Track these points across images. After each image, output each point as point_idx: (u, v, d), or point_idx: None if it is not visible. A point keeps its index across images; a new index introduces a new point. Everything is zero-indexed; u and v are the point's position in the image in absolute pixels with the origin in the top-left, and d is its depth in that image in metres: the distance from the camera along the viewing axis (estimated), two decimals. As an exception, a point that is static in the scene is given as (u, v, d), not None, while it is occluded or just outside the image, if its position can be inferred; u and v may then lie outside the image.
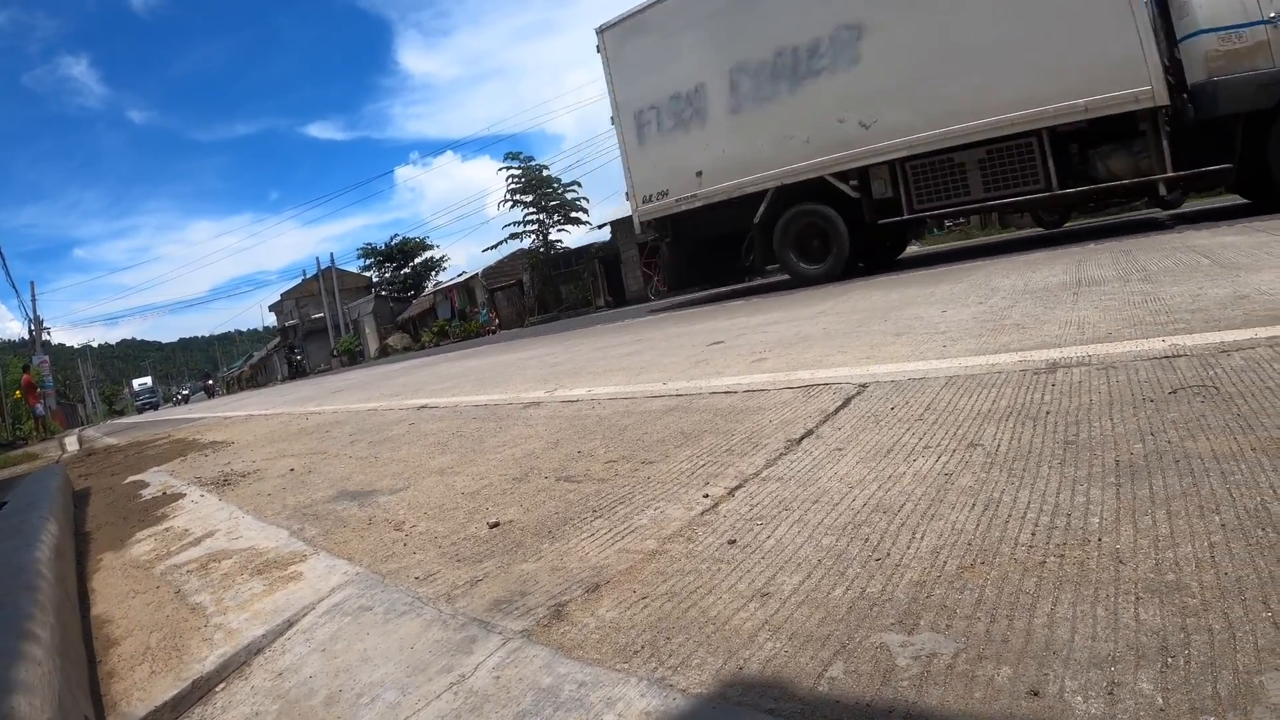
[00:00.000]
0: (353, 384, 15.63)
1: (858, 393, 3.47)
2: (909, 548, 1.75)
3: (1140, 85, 10.67)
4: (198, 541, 3.36)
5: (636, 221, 17.15)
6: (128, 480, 6.13)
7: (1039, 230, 21.03)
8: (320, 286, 70.75)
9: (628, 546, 2.16)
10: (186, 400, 76.08)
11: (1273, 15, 9.77)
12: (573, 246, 53.67)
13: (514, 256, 54.92)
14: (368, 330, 67.35)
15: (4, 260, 41.36)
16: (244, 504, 3.92)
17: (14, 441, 25.03)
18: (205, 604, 2.50)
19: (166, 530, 3.75)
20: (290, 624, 2.19)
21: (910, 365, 3.83)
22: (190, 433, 10.24)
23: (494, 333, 44.68)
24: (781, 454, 2.75)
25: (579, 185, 56.07)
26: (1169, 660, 1.17)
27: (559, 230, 54.54)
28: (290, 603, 2.32)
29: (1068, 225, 19.88)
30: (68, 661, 1.88)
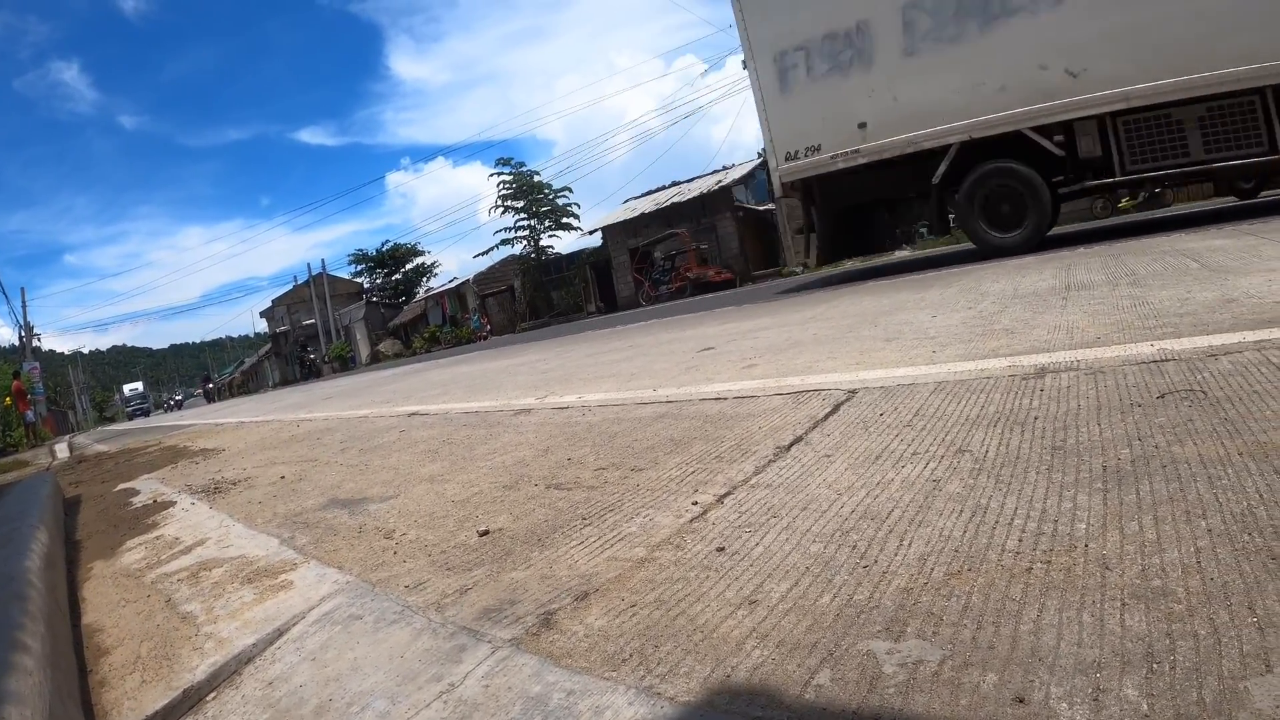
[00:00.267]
0: (344, 390, 15.62)
1: (847, 399, 3.47)
2: (896, 555, 1.75)
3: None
4: (188, 550, 3.35)
5: (777, 183, 14.42)
6: (118, 488, 6.12)
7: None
8: (312, 293, 70.60)
9: (617, 554, 2.16)
10: (180, 406, 75.63)
11: None
12: (564, 252, 53.85)
13: (505, 262, 55.00)
14: (359, 336, 67.20)
15: (-6, 267, 41.23)
16: (235, 512, 3.92)
17: (4, 449, 24.97)
18: (196, 613, 2.49)
19: (157, 538, 3.75)
20: (281, 633, 2.19)
21: (900, 371, 3.84)
22: (181, 440, 10.22)
23: (485, 338, 44.67)
24: (771, 461, 2.75)
25: (570, 191, 56.20)
26: (1154, 666, 1.18)
27: (550, 236, 54.71)
28: (281, 611, 2.32)
29: (1058, 230, 19.75)
30: (58, 671, 1.88)
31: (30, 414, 29.60)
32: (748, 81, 14.43)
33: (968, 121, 12.19)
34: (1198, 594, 1.35)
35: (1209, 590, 1.35)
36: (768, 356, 5.50)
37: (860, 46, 13.03)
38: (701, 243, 39.76)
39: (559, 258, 53.39)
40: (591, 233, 48.80)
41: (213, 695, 1.94)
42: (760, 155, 43.31)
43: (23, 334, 48.79)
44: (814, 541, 1.93)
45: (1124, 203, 25.83)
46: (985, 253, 12.45)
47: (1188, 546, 1.52)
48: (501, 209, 53.43)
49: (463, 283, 58.75)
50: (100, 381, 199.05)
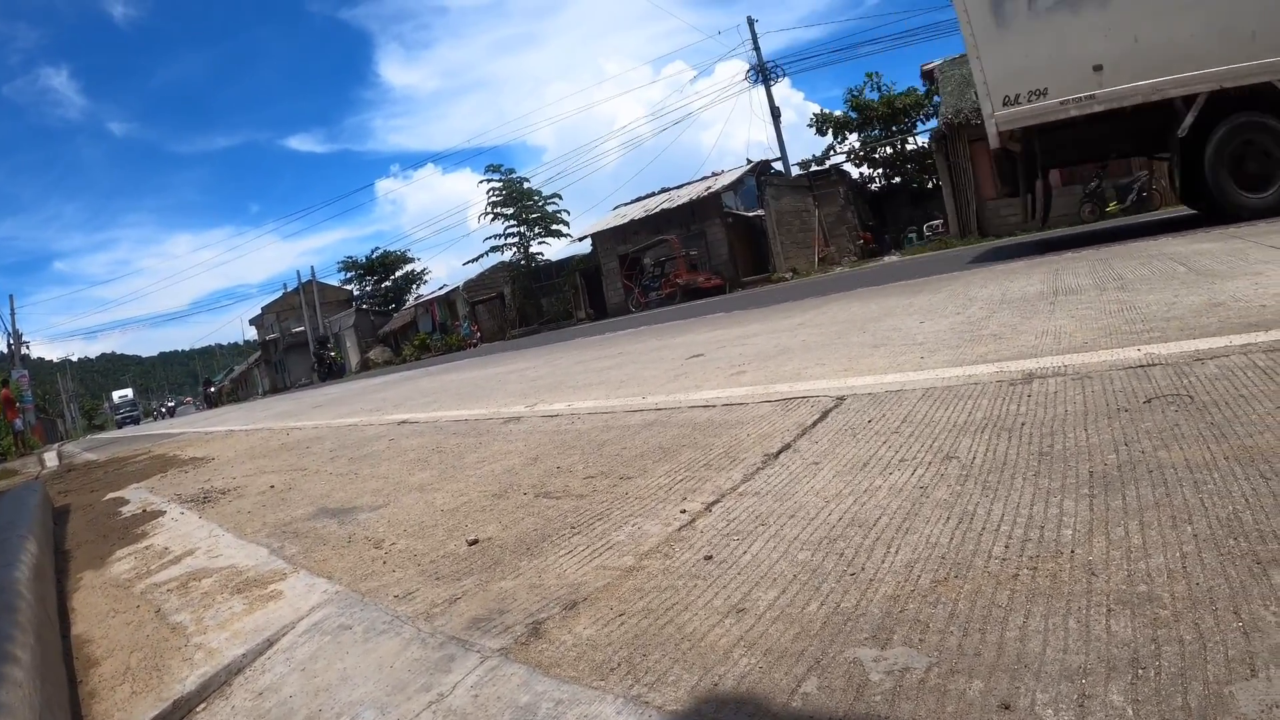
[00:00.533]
0: (333, 398, 15.58)
1: (835, 406, 3.48)
2: (884, 562, 1.76)
3: None
4: (178, 560, 3.34)
5: (993, 131, 12.22)
6: (107, 497, 6.10)
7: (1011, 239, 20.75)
8: (301, 300, 70.49)
9: (605, 563, 2.16)
10: (172, 413, 75.06)
11: None
12: (554, 259, 53.87)
13: (495, 269, 54.97)
14: (349, 344, 67.05)
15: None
16: (224, 522, 3.91)
17: (-8, 458, 24.84)
18: (185, 623, 2.49)
19: (146, 548, 3.74)
20: (270, 643, 2.18)
21: (888, 377, 3.85)
22: (170, 448, 10.19)
23: (475, 346, 44.65)
24: (759, 468, 2.76)
25: (559, 197, 56.24)
26: (1140, 672, 1.18)
27: (540, 243, 54.73)
28: (270, 622, 2.32)
29: (1048, 233, 19.83)
30: (48, 683, 1.88)
31: (19, 422, 29.49)
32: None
33: (1217, 69, 10.63)
34: (1183, 599, 1.35)
35: (1195, 595, 1.36)
36: (757, 363, 5.52)
37: None
38: (691, 249, 39.82)
39: (549, 264, 53.43)
40: (581, 239, 48.85)
41: (203, 706, 1.94)
42: (749, 162, 43.35)
43: (11, 341, 48.63)
44: (801, 549, 1.94)
45: (1111, 207, 25.93)
46: (1232, 215, 10.74)
47: (1173, 552, 1.52)
48: (491, 216, 53.50)
49: (452, 290, 58.73)
50: (89, 389, 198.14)
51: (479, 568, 2.36)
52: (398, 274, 74.81)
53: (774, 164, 44.38)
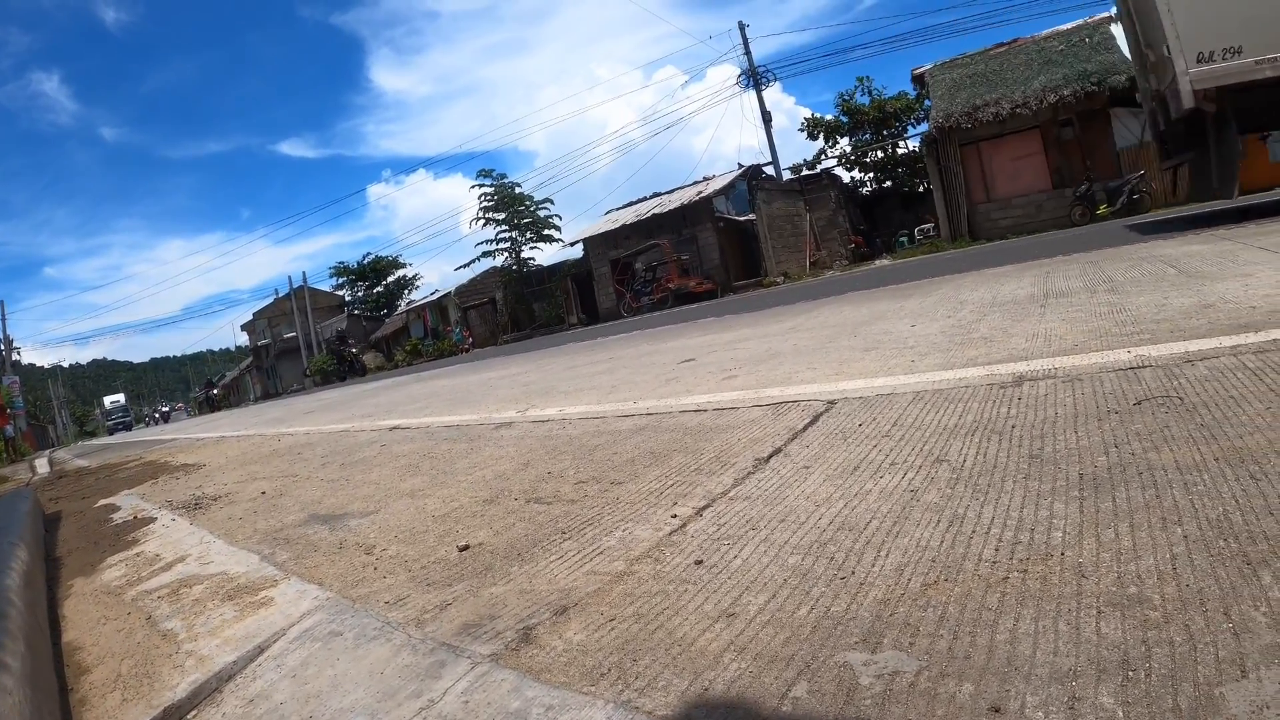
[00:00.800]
0: (325, 404, 15.55)
1: (826, 410, 3.48)
2: (874, 566, 1.76)
3: None
4: (169, 567, 3.33)
5: (1187, 89, 10.29)
6: (99, 504, 6.08)
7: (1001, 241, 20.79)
8: (293, 305, 70.29)
9: (596, 568, 2.16)
10: (166, 419, 74.74)
11: None
12: (546, 264, 53.77)
13: (487, 274, 54.83)
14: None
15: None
16: (215, 528, 3.90)
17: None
18: (176, 630, 2.48)
19: (138, 555, 3.72)
20: (261, 650, 2.18)
21: (879, 381, 3.85)
22: (162, 455, 10.16)
23: (467, 351, 44.58)
24: (749, 473, 2.76)
25: (551, 202, 56.13)
26: (1130, 674, 1.18)
27: (532, 248, 54.62)
28: (261, 628, 2.31)
29: (1040, 235, 19.86)
30: (38, 690, 1.87)
31: (9, 429, 29.41)
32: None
33: None
34: (1173, 600, 1.36)
35: (1185, 596, 1.36)
36: (748, 367, 5.52)
37: None
38: (683, 254, 39.80)
39: (540, 269, 53.33)
40: (573, 244, 48.84)
41: (194, 713, 1.93)
42: (741, 166, 43.36)
43: (2, 347, 48.47)
44: (792, 553, 1.93)
45: (1102, 209, 25.98)
46: None
47: (1164, 553, 1.53)
48: (483, 221, 53.35)
49: (444, 295, 58.58)
50: (80, 396, 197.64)
51: (470, 573, 2.36)
52: (389, 279, 74.63)
53: (765, 168, 44.39)
